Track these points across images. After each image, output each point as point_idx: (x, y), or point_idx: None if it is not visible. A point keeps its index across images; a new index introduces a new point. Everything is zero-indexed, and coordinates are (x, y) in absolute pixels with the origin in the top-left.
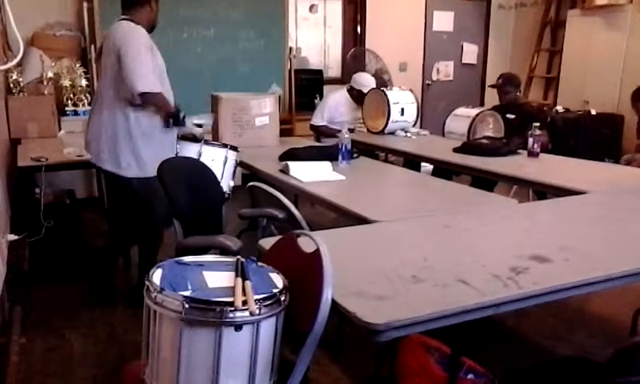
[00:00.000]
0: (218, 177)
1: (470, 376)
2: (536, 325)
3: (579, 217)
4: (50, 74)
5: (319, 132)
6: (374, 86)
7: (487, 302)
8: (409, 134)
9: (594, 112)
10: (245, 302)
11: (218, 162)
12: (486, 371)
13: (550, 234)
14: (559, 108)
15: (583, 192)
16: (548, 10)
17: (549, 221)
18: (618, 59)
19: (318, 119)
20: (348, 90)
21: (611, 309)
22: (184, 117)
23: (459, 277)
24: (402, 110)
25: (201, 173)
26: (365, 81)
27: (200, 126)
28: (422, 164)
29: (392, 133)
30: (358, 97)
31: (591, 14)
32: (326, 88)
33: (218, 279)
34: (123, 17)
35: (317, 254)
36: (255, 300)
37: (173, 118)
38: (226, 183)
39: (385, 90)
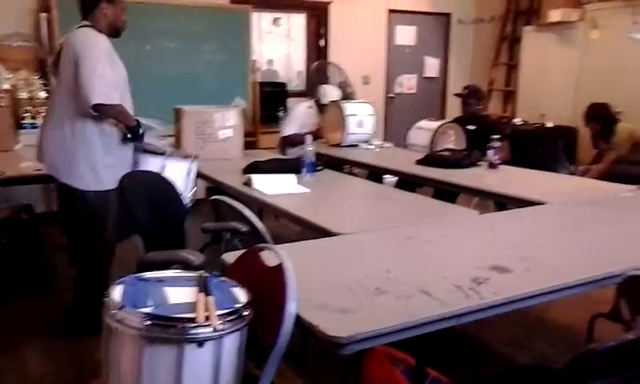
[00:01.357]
0: (182, 190)
1: None
2: (498, 333)
3: (538, 227)
4: (7, 86)
5: (290, 141)
6: (336, 97)
7: (449, 313)
8: (372, 147)
9: (550, 124)
10: (207, 318)
11: (181, 174)
12: (450, 381)
13: (510, 245)
14: (518, 120)
15: (541, 203)
16: (505, 26)
17: (509, 231)
18: (572, 74)
19: (287, 130)
20: (312, 102)
21: (571, 316)
22: (143, 133)
23: (422, 288)
24: (360, 122)
25: (163, 187)
26: (327, 91)
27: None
28: (385, 176)
29: (354, 145)
30: (320, 108)
31: (545, 31)
32: (289, 101)
33: (180, 295)
34: (82, 24)
35: (280, 268)
36: (218, 315)
37: (131, 133)
38: (189, 194)
39: (342, 102)
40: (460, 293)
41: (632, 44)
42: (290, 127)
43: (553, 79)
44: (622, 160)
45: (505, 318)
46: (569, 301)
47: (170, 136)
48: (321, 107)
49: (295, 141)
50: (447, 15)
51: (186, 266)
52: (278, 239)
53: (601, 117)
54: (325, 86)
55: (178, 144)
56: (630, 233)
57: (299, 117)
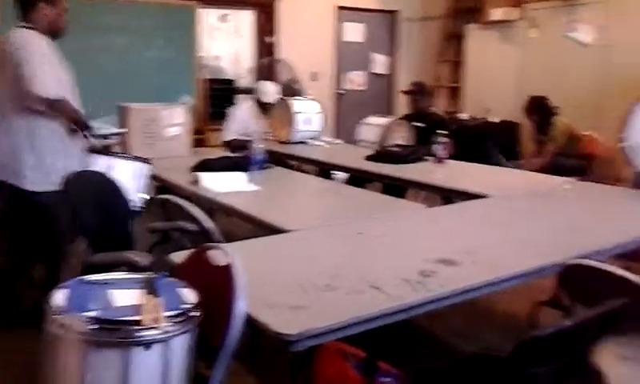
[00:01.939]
0: (130, 191)
1: (385, 379)
2: (447, 324)
3: (482, 220)
4: None
5: (231, 146)
6: (278, 94)
7: (398, 307)
8: (321, 143)
9: (494, 120)
10: (154, 320)
11: (129, 175)
12: (401, 373)
13: (456, 238)
14: (463, 116)
15: (485, 196)
16: (450, 24)
17: (454, 225)
18: (513, 70)
19: (229, 133)
20: (256, 100)
21: (515, 306)
22: (91, 130)
23: (371, 283)
24: (307, 118)
25: (108, 187)
26: (269, 88)
27: (106, 137)
28: (334, 172)
29: (303, 142)
30: (265, 106)
31: (488, 29)
32: (237, 97)
33: (126, 297)
34: (20, 24)
35: (229, 267)
36: (165, 317)
37: (80, 127)
38: (138, 197)
39: (289, 99)
40: (408, 286)
41: (568, 42)
42: (230, 131)
43: (496, 76)
44: (560, 153)
45: (453, 309)
46: (513, 291)
47: (116, 134)
48: (262, 105)
49: (237, 146)
50: (395, 13)
51: (133, 267)
52: (229, 237)
53: (540, 109)
54: (264, 82)
55: (124, 143)
56: (568, 223)
57: (240, 119)
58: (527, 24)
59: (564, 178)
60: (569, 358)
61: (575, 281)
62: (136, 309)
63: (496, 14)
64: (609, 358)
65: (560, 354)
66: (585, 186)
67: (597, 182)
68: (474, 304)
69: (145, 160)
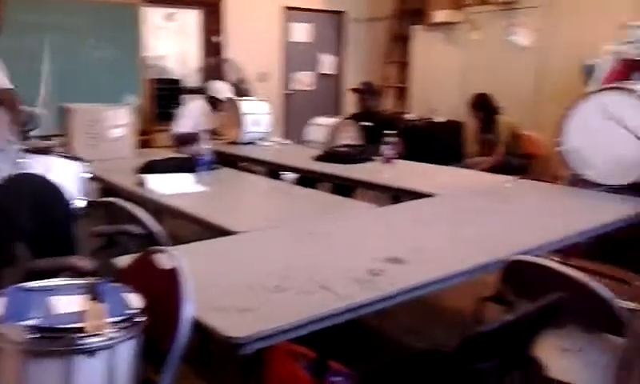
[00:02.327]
0: (72, 192)
1: (336, 378)
2: (397, 322)
3: (429, 218)
4: None
5: (181, 139)
6: (230, 94)
7: (347, 307)
8: (270, 144)
9: (440, 119)
10: (98, 327)
11: (71, 175)
12: (351, 372)
13: (404, 236)
14: (410, 116)
15: (432, 195)
16: (396, 25)
17: (403, 223)
18: (457, 71)
19: (179, 127)
20: (208, 100)
21: (461, 301)
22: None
23: (321, 283)
24: (256, 119)
25: (48, 189)
26: (220, 88)
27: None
28: (283, 173)
29: (252, 142)
30: (215, 105)
31: (432, 30)
32: (184, 97)
33: (68, 304)
34: None
35: (175, 270)
36: (109, 323)
37: (19, 124)
38: (79, 196)
39: (238, 100)
40: (357, 286)
41: (508, 45)
42: (181, 124)
43: (441, 76)
44: (508, 152)
45: (402, 306)
46: (459, 287)
47: (57, 136)
48: (215, 104)
49: (187, 139)
50: (342, 13)
51: (76, 272)
52: (176, 240)
53: (484, 106)
54: (216, 81)
55: (66, 144)
56: (510, 221)
57: (192, 114)
58: (469, 26)
59: (506, 177)
60: (512, 351)
61: (517, 276)
62: (78, 316)
63: (439, 16)
64: (549, 350)
65: (503, 348)
66: (525, 184)
67: (536, 181)
68: (422, 301)
69: (83, 160)
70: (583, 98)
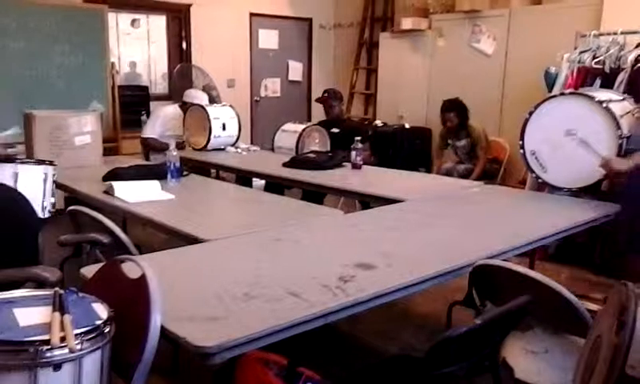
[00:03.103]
0: (40, 197)
1: None
2: (368, 326)
3: (398, 224)
4: None
5: (149, 145)
6: (206, 101)
7: (317, 313)
8: (239, 150)
9: (407, 126)
10: (63, 338)
11: (38, 181)
12: (323, 378)
13: (373, 242)
14: (378, 122)
15: (401, 200)
16: (363, 32)
17: (372, 229)
18: (423, 78)
19: (149, 131)
20: (180, 106)
21: (432, 306)
22: None
23: (290, 290)
24: (224, 125)
25: (10, 198)
26: (199, 95)
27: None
28: (254, 179)
29: (221, 149)
30: (185, 111)
31: (399, 37)
32: (152, 104)
33: (32, 316)
34: None
35: (143, 280)
36: (76, 334)
37: None
38: (48, 202)
39: (204, 106)
40: (328, 292)
41: (472, 52)
42: (150, 129)
43: (407, 83)
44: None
45: (374, 311)
46: (430, 290)
47: (19, 143)
48: (185, 110)
49: (155, 147)
50: (309, 20)
51: (41, 283)
52: (144, 248)
53: (459, 108)
54: (193, 89)
55: (29, 152)
56: (477, 225)
57: (162, 119)
58: (435, 34)
59: (472, 182)
60: (480, 355)
61: (483, 280)
62: (43, 328)
63: (406, 23)
64: (516, 352)
65: (471, 351)
66: (491, 189)
67: (502, 185)
68: (393, 304)
69: (50, 162)
70: (543, 102)
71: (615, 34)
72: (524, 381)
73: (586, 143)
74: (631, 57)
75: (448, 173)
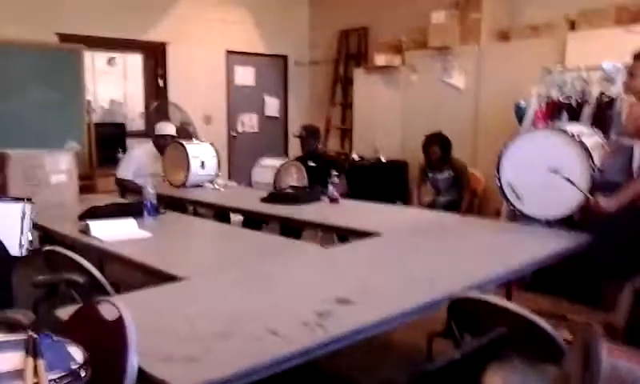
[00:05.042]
0: (17, 234)
1: None
2: (348, 360)
3: (376, 257)
4: None
5: (125, 186)
6: (173, 130)
7: (296, 352)
8: (216, 186)
9: (384, 159)
10: None
11: (15, 218)
12: None
13: (352, 276)
14: (355, 156)
15: (378, 234)
16: (337, 68)
17: (350, 263)
18: (397, 112)
19: (123, 172)
20: (153, 141)
21: (413, 336)
22: None
23: (269, 327)
24: (202, 163)
25: None
26: (168, 127)
27: None
28: (232, 215)
29: (199, 185)
30: (164, 145)
31: (373, 73)
32: (128, 141)
33: (4, 362)
34: None
35: (120, 321)
36: (50, 380)
37: None
38: (26, 239)
39: (184, 143)
40: (306, 329)
41: (445, 87)
42: (124, 171)
43: (382, 117)
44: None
45: (353, 344)
46: (409, 323)
47: None
48: (161, 147)
49: (129, 188)
50: (284, 57)
51: (13, 327)
52: (121, 287)
53: (441, 141)
54: (162, 122)
55: (3, 191)
56: (455, 257)
57: (135, 160)
58: (408, 69)
59: (448, 214)
60: None
61: (461, 312)
62: (15, 374)
63: (380, 59)
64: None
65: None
66: (467, 220)
67: (478, 217)
68: (373, 337)
69: (27, 200)
70: (517, 135)
71: (579, 69)
72: None
73: (569, 180)
74: (596, 91)
75: (429, 206)
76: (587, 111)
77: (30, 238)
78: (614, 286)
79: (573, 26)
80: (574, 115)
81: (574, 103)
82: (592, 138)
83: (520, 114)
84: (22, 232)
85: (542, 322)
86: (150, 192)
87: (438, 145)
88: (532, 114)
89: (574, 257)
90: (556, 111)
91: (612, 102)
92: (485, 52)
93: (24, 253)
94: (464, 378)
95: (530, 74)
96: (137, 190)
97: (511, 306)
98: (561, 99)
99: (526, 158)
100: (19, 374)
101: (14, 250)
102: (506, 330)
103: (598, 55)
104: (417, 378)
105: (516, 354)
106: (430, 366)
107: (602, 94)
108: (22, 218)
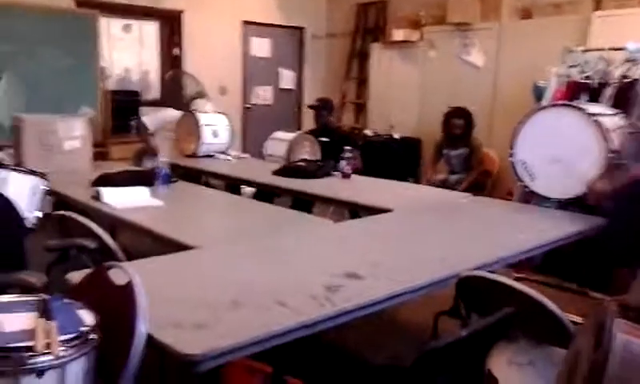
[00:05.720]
0: (24, 206)
1: None
2: (355, 335)
3: (386, 234)
4: None
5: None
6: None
7: (304, 323)
8: (229, 157)
9: (397, 136)
10: (48, 345)
11: (24, 190)
12: None
13: (361, 252)
14: (369, 132)
15: (390, 210)
16: (354, 42)
17: (360, 239)
18: (414, 89)
19: (149, 122)
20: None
21: (419, 315)
22: None
23: (278, 299)
24: (215, 132)
25: None
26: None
27: None
28: (242, 187)
29: (210, 156)
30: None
31: (390, 48)
32: (143, 109)
33: (17, 322)
34: None
35: (129, 286)
36: (60, 341)
37: None
38: (32, 214)
39: (196, 112)
40: (315, 302)
41: (463, 65)
42: (150, 122)
43: (398, 93)
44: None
45: (361, 320)
46: (417, 300)
47: (8, 147)
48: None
49: (144, 152)
50: (301, 29)
51: (27, 289)
52: (132, 254)
53: (466, 115)
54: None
55: (17, 156)
56: (464, 236)
57: (161, 120)
58: (426, 45)
59: (461, 193)
60: (465, 365)
61: (469, 291)
62: (27, 334)
63: (398, 34)
64: (501, 363)
65: (457, 362)
66: (479, 200)
67: (490, 197)
68: (381, 313)
69: (41, 175)
70: (535, 112)
71: (602, 49)
72: None
73: (573, 152)
74: (618, 72)
75: (442, 183)
76: (608, 92)
77: (39, 214)
78: (625, 271)
79: (598, 4)
80: (594, 96)
81: (594, 84)
82: (612, 119)
83: (538, 93)
84: (30, 206)
85: (550, 303)
86: (163, 160)
87: (462, 119)
88: (551, 94)
89: (586, 241)
90: (576, 91)
91: (634, 83)
92: (505, 29)
93: (27, 225)
94: (470, 356)
95: (550, 54)
96: (151, 153)
97: (519, 285)
98: (581, 79)
99: (542, 136)
100: (31, 334)
101: None
102: (513, 310)
103: (624, 35)
104: (424, 355)
105: (523, 334)
106: (437, 343)
107: (624, 76)
108: (33, 192)
